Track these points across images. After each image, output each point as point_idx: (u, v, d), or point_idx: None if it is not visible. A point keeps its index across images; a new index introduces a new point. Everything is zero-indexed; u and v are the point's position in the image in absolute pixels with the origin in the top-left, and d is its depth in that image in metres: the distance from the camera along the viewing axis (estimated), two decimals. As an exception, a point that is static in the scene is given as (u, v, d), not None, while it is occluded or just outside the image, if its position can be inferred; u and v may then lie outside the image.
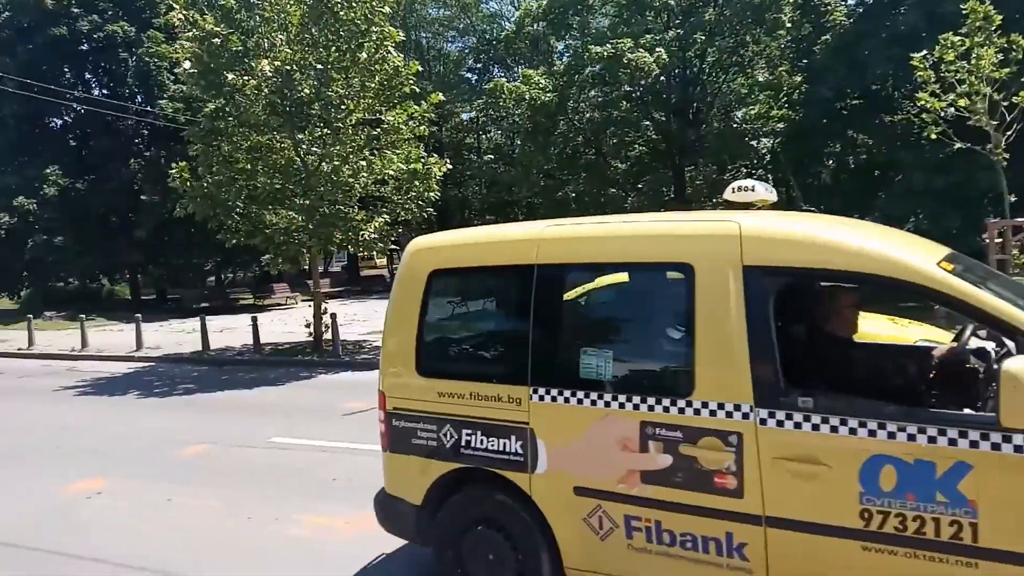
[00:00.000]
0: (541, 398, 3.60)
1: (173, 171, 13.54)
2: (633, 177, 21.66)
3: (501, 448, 3.71)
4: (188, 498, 6.32)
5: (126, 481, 6.90)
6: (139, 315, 17.69)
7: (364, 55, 12.60)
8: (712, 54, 21.00)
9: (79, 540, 5.46)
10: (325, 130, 13.18)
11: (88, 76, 31.01)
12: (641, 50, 18.99)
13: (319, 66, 12.34)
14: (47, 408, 10.85)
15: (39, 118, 29.35)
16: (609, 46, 19.11)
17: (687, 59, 20.82)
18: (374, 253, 14.79)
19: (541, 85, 21.18)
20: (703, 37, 20.10)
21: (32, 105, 26.03)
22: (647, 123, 21.91)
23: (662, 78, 21.24)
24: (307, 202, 13.38)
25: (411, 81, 13.32)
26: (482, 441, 3.78)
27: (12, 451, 8.32)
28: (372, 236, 13.94)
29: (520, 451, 3.65)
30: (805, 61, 24.47)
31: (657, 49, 19.12)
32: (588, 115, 22.75)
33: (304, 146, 13.31)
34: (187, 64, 12.91)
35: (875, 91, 22.28)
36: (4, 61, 26.46)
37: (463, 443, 3.84)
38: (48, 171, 26.79)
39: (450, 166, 14.47)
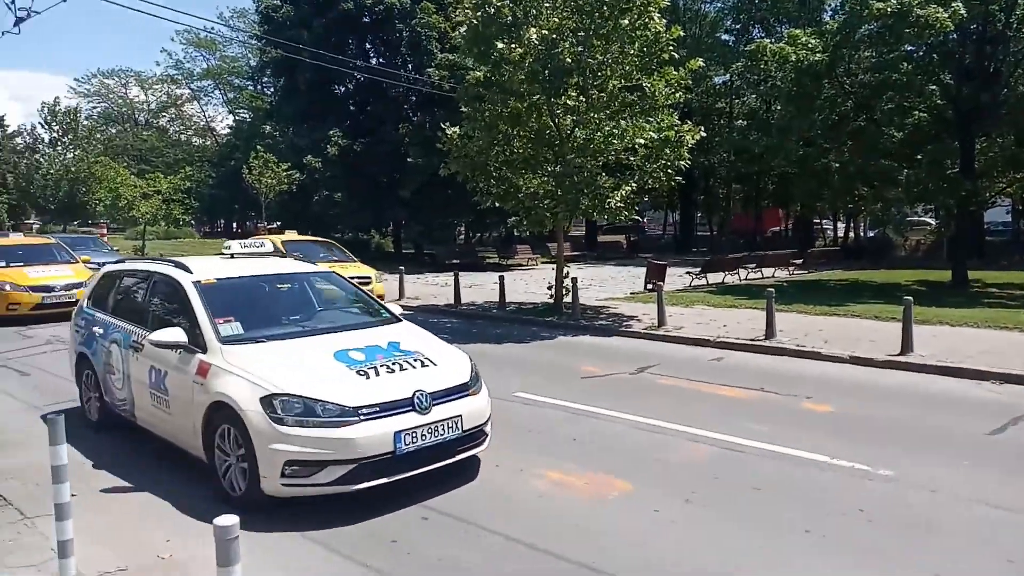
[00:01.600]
0: None
1: (447, 129, 14.45)
2: (910, 147, 19.30)
3: None
4: (443, 440, 6.83)
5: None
6: (402, 268, 19.37)
7: (626, 21, 12.46)
8: (1022, 6, 17.96)
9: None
10: (581, 97, 13.29)
11: (368, 47, 34.15)
12: (933, 5, 16.75)
13: (581, 33, 12.42)
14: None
15: (327, 85, 32.96)
16: (895, 0, 17.08)
17: (990, 13, 18.03)
18: (619, 219, 14.71)
19: (810, 45, 19.51)
20: (1013, -14, 17.27)
21: (322, 73, 29.27)
22: (932, 87, 19.36)
23: (953, 35, 18.64)
24: (558, 168, 13.66)
25: (671, 47, 12.95)
26: None
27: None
28: (618, 204, 13.89)
29: None
30: None
31: (953, 3, 16.74)
32: (861, 77, 20.61)
33: (560, 113, 13.54)
34: (462, 31, 13.62)
35: None
36: (302, 34, 29.96)
37: None
38: (331, 133, 30.05)
39: (703, 133, 13.93)
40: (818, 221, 42.82)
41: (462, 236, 43.04)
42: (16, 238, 18.55)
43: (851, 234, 42.59)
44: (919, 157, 19.22)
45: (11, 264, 15.32)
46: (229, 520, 2.29)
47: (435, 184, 26.59)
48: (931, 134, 19.74)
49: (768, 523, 4.96)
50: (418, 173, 28.79)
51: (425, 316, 16.03)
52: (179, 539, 4.78)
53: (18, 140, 66.23)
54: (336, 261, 16.57)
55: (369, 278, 16.00)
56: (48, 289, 14.68)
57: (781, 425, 7.15)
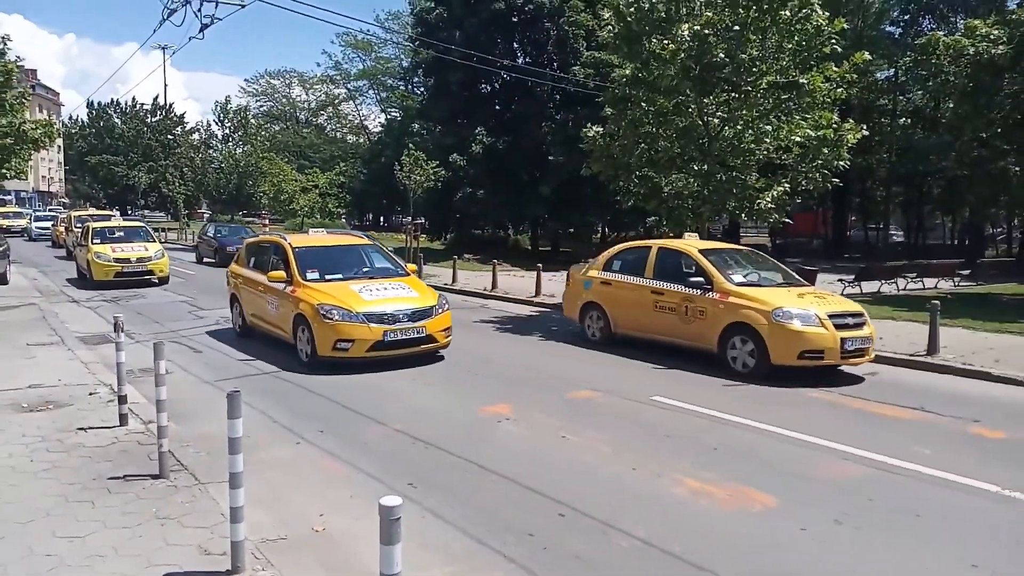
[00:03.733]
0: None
1: (586, 131, 14.46)
2: (1107, 149, 17.31)
3: None
4: (579, 437, 6.85)
5: (527, 412, 7.73)
6: (540, 264, 19.56)
7: (787, 13, 11.93)
8: None
9: (490, 456, 6.27)
10: (733, 94, 12.87)
11: (515, 46, 34.69)
12: None
13: (736, 28, 12.02)
14: (469, 339, 12.63)
15: (474, 85, 33.79)
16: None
17: None
18: (769, 221, 14.10)
19: (992, 36, 17.87)
20: None
21: (470, 73, 30.02)
22: None
23: None
24: (705, 167, 13.31)
25: (833, 41, 12.27)
26: None
27: (444, 373, 9.87)
28: (769, 205, 13.34)
29: None
30: None
31: None
32: (1051, 72, 18.64)
33: (709, 110, 13.18)
34: (609, 28, 13.57)
35: None
36: (454, 34, 30.89)
37: None
38: (477, 131, 30.80)
39: (866, 132, 13.11)
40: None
41: (599, 234, 42.92)
42: (320, 236, 12.43)
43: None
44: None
45: (327, 276, 10.39)
46: (394, 501, 2.43)
47: (575, 182, 26.66)
48: None
49: (929, 553, 4.61)
50: (559, 171, 28.96)
51: (561, 313, 16.10)
52: (331, 514, 5.09)
53: (194, 136, 72.70)
54: (787, 284, 10.55)
55: (863, 315, 9.73)
56: (392, 319, 9.64)
57: (944, 449, 6.62)
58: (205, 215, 67.89)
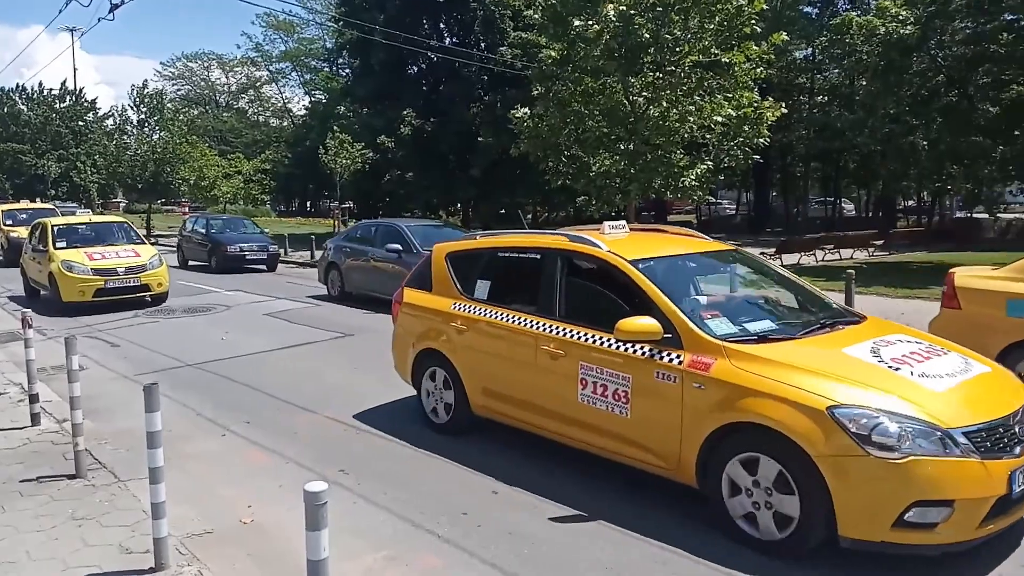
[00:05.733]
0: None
1: (515, 112, 14.44)
2: (1007, 123, 18.27)
3: None
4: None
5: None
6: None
7: (708, -7, 12.16)
8: None
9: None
10: (657, 74, 13.05)
11: (442, 26, 34.26)
12: (1037, -31, 15.79)
13: (659, 8, 12.16)
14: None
15: (400, 66, 33.22)
16: (994, -33, 16.18)
17: (1100, -24, 16.83)
18: (693, 198, 14.44)
19: (900, 17, 18.62)
20: None
21: (395, 54, 29.52)
22: (1034, 58, 18.28)
23: (1060, 2, 17.45)
24: (631, 147, 13.48)
25: (753, 21, 12.56)
26: None
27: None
28: (693, 183, 13.64)
29: None
30: None
31: (1060, -34, 15.74)
32: (954, 50, 19.56)
33: (634, 90, 13.33)
34: (536, 8, 13.55)
35: None
36: (376, 16, 30.29)
37: None
38: (405, 113, 30.37)
39: (784, 110, 13.51)
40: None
41: (530, 216, 43.07)
42: (625, 233, 5.99)
43: (936, 215, 40.70)
44: (1016, 133, 18.18)
45: (748, 326, 4.90)
46: (319, 486, 2.41)
47: (505, 164, 26.64)
48: (1030, 109, 18.66)
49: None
50: (488, 153, 28.84)
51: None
52: (260, 505, 4.97)
53: (108, 122, 69.43)
54: None
55: None
56: (1005, 439, 3.97)
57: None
58: (121, 204, 65.06)
